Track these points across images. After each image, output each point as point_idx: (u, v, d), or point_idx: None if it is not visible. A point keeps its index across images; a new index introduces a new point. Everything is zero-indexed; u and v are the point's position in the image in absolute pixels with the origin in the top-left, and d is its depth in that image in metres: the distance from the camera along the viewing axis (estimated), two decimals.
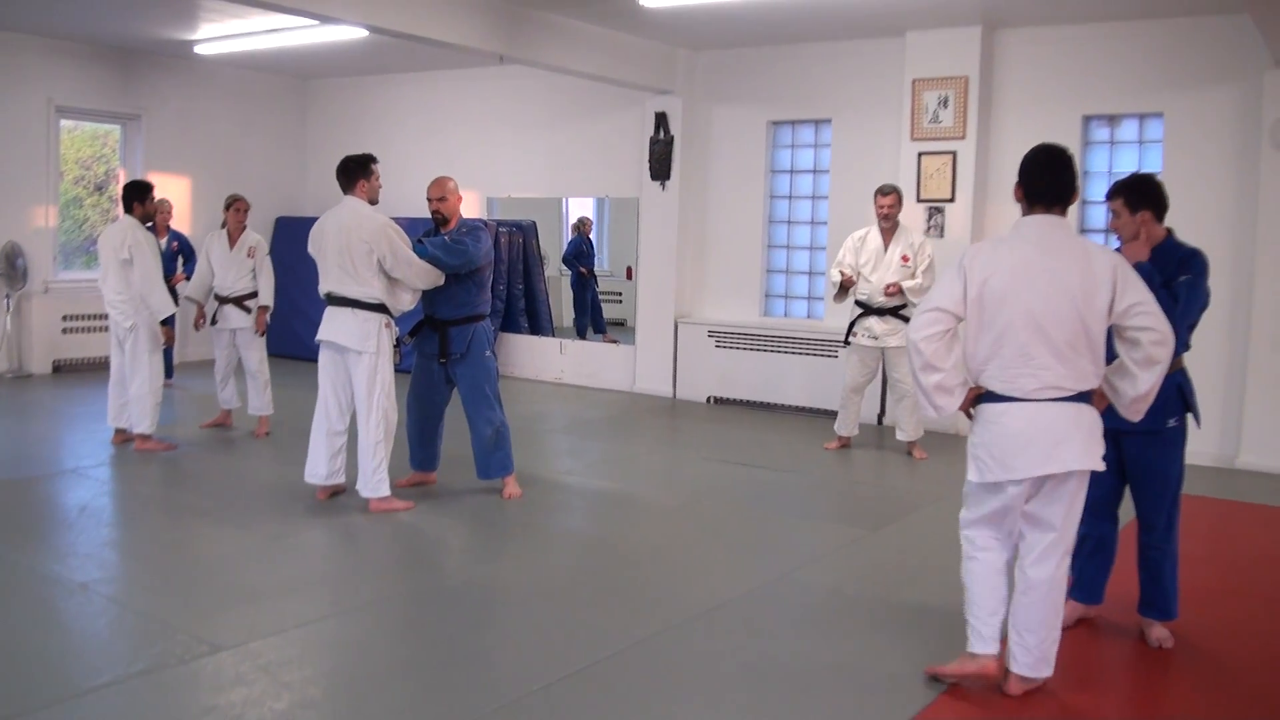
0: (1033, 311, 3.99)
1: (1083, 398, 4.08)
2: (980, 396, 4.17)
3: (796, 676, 4.47)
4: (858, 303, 8.70)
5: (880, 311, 8.57)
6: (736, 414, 10.71)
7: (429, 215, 7.03)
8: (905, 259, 8.47)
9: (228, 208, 8.98)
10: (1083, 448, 4.06)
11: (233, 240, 8.93)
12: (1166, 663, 4.75)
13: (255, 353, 8.92)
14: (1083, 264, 3.99)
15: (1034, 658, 4.21)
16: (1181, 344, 4.62)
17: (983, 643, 4.24)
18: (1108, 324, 4.04)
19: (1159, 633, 4.87)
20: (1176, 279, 4.63)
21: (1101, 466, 4.11)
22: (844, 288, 8.63)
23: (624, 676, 4.45)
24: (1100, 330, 4.01)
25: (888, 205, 8.55)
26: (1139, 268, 4.54)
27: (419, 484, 7.27)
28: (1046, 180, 4.13)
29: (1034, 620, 4.19)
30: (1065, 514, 4.16)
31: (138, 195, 8.26)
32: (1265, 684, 4.55)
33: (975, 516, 4.28)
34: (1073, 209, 9.01)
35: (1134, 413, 4.21)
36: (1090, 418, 4.10)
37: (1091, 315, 3.98)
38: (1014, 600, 4.24)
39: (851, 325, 8.75)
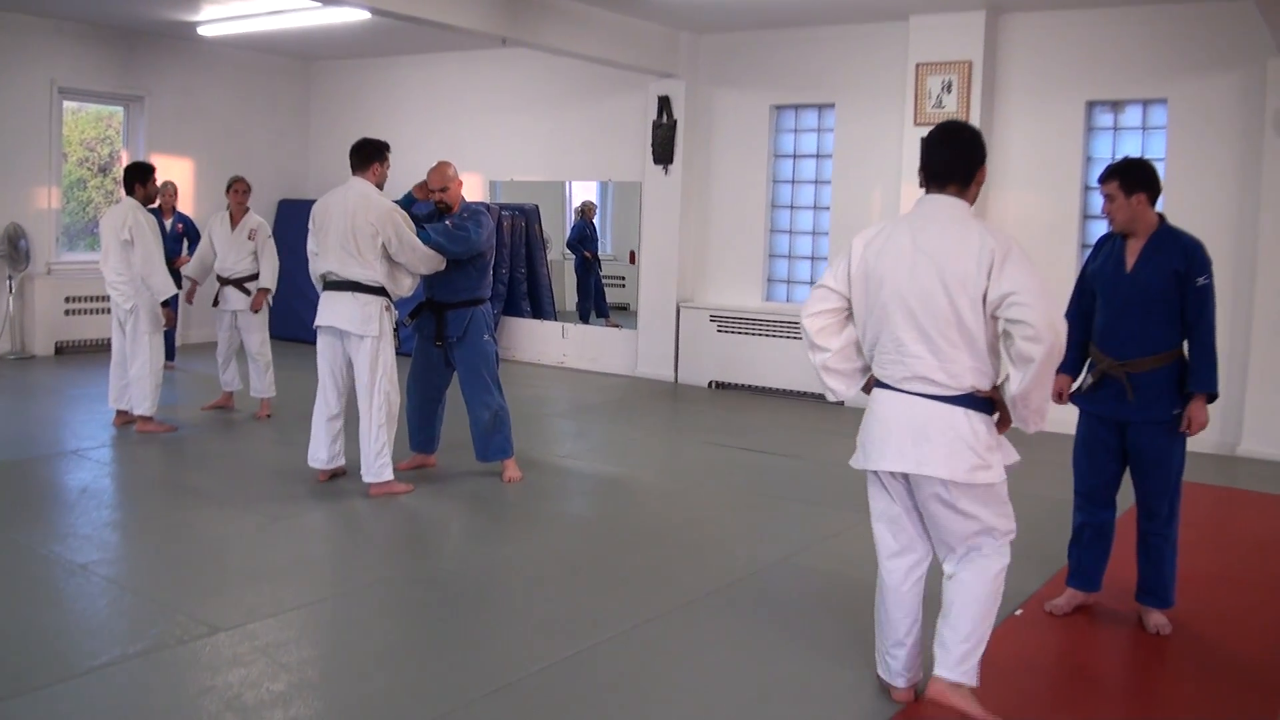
0: (904, 295, 3.70)
1: (966, 401, 3.69)
2: (875, 383, 3.93)
3: (794, 660, 4.47)
4: None
5: None
6: (738, 399, 10.72)
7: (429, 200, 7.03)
8: None
9: (228, 189, 8.98)
10: (945, 454, 3.67)
11: (234, 221, 8.94)
12: (1164, 649, 4.75)
13: (256, 335, 8.92)
14: (960, 246, 3.63)
15: (953, 657, 3.88)
16: (1214, 342, 4.67)
17: (889, 674, 4.07)
18: (987, 314, 3.62)
19: (1157, 619, 4.87)
20: (1187, 273, 4.63)
21: (974, 479, 3.69)
22: None
23: (623, 660, 4.46)
24: (976, 321, 3.62)
25: None
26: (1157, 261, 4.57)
27: (419, 467, 7.28)
28: (934, 157, 3.82)
29: (955, 612, 3.89)
30: (955, 529, 3.81)
31: (139, 177, 8.26)
32: (1262, 670, 4.54)
33: (873, 511, 4.06)
34: (1075, 195, 9.20)
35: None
36: (964, 422, 3.69)
37: (964, 303, 3.61)
38: (943, 592, 3.96)
39: None
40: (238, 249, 8.88)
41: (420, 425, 7.24)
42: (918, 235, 3.73)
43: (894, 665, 4.05)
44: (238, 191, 8.96)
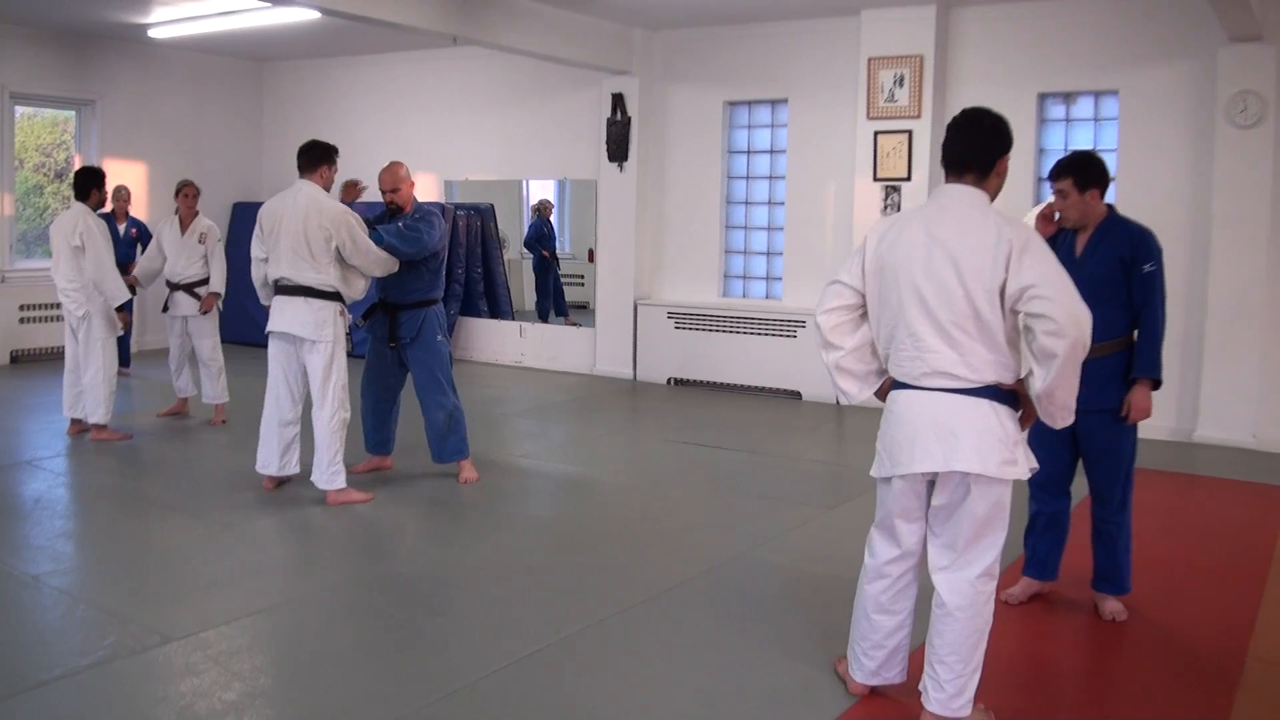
0: (918, 288, 3.58)
1: (990, 394, 3.57)
2: (893, 384, 3.79)
3: (750, 655, 4.47)
4: None
5: None
6: (696, 395, 10.72)
7: (381, 201, 6.99)
8: None
9: (177, 193, 8.88)
10: (973, 448, 3.54)
11: (184, 226, 8.84)
12: (1120, 636, 4.78)
13: (207, 340, 8.84)
14: (977, 237, 3.51)
15: (947, 694, 3.68)
16: (1161, 328, 4.69)
17: (862, 672, 4.01)
18: (1006, 307, 3.51)
19: (1112, 606, 4.91)
20: (1134, 260, 4.65)
21: (1004, 474, 3.56)
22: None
23: (581, 658, 4.44)
24: (994, 314, 3.50)
25: None
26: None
27: (375, 469, 7.23)
28: (953, 144, 3.71)
29: (946, 647, 3.69)
30: (963, 530, 3.66)
31: (92, 182, 8.17)
32: (1217, 656, 4.57)
33: (879, 516, 3.91)
34: (1027, 188, 9.21)
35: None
36: (991, 415, 3.56)
37: (980, 295, 3.49)
38: (931, 621, 3.78)
39: None
40: (188, 253, 8.77)
41: (375, 427, 7.19)
42: (932, 226, 3.62)
43: (869, 665, 3.99)
44: (187, 196, 8.86)
